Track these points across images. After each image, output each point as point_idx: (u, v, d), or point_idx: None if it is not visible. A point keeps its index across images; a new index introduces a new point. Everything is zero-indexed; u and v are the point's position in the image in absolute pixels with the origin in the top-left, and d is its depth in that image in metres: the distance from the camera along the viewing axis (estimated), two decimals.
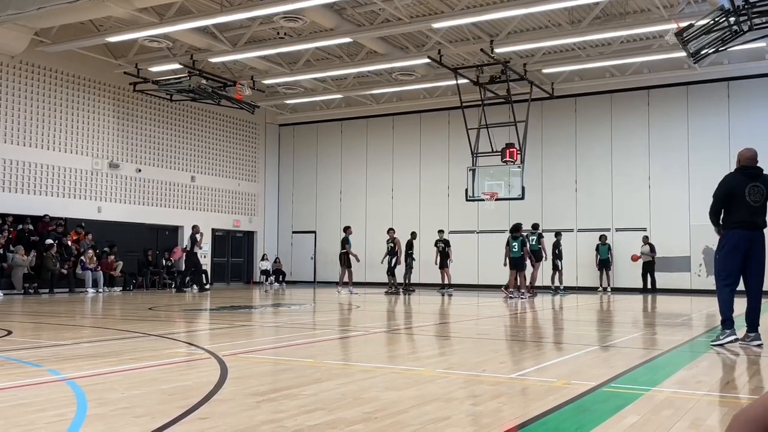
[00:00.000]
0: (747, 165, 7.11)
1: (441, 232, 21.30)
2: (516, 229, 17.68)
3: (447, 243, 20.65)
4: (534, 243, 18.77)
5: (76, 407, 3.92)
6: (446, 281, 20.11)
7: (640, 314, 12.92)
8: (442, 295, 19.02)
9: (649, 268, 21.04)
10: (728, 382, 5.01)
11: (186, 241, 21.49)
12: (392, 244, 20.14)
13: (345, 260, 19.64)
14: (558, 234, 20.88)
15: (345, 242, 19.69)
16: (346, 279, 19.65)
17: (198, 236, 20.68)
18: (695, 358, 6.52)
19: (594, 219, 22.56)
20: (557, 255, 20.40)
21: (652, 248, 21.07)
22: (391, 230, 20.69)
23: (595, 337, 8.64)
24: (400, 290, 20.04)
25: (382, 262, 20.56)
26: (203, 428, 3.43)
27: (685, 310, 13.91)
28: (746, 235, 6.98)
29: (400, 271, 20.52)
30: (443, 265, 20.34)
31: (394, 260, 20.02)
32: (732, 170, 7.32)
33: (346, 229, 20.05)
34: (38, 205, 19.77)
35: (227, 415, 3.71)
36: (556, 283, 20.37)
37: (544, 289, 20.38)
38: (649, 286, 21.05)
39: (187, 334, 8.69)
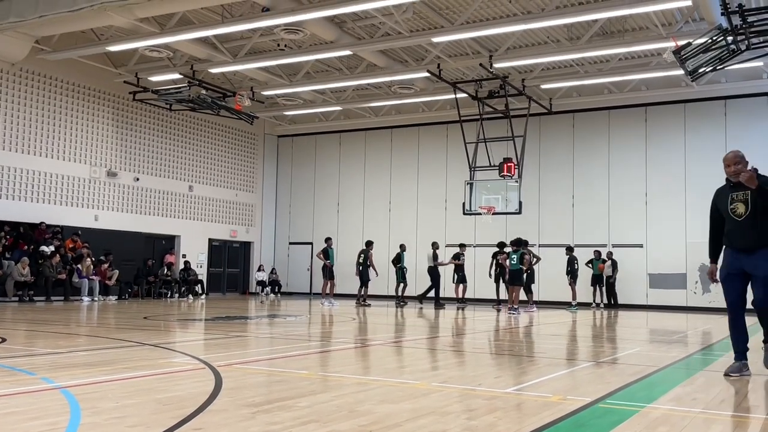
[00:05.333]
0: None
1: (463, 246, 21.05)
2: (516, 243, 17.60)
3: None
4: (576, 267, 20.36)
5: (69, 416, 3.90)
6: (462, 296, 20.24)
7: (635, 330, 12.92)
8: (463, 308, 19.11)
9: (606, 283, 21.21)
10: (723, 400, 5.00)
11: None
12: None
13: (328, 272, 19.65)
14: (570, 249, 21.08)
15: (326, 253, 19.68)
16: (328, 290, 19.65)
17: (437, 251, 20.18)
18: (691, 375, 6.51)
19: (591, 234, 22.59)
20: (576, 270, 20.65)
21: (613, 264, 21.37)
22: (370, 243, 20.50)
23: (591, 353, 8.63)
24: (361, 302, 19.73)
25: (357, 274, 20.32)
26: None
27: (681, 327, 13.90)
28: (736, 255, 6.14)
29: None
30: (464, 280, 20.30)
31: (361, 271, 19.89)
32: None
33: (327, 240, 20.12)
34: (35, 213, 19.74)
35: (221, 426, 3.70)
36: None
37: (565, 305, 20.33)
38: (604, 301, 21.22)
39: (182, 344, 8.66)
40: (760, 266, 6.00)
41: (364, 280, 19.75)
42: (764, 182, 6.04)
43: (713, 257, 6.46)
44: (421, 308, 18.90)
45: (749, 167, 6.45)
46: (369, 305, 19.28)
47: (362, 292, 19.72)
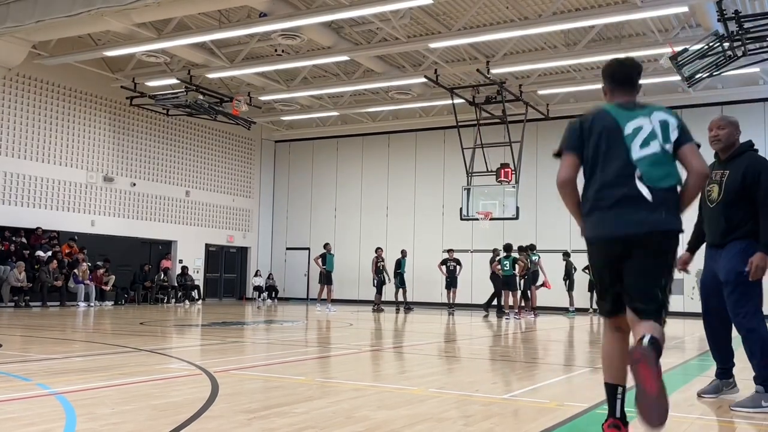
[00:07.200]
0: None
1: (451, 251, 21.02)
2: (508, 248, 17.75)
3: (458, 262, 20.55)
4: (573, 272, 20.15)
5: (65, 422, 3.88)
6: (452, 300, 20.12)
7: (632, 336, 12.90)
8: (450, 314, 18.99)
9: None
10: (721, 406, 4.99)
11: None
12: (382, 263, 20.48)
13: (326, 277, 19.80)
14: (567, 254, 21.01)
15: (324, 259, 19.84)
16: (324, 296, 19.78)
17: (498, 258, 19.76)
18: (688, 381, 6.51)
19: None
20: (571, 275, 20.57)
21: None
22: (379, 249, 20.98)
23: (588, 359, 8.62)
24: (381, 308, 20.09)
25: (381, 282, 20.53)
26: None
27: (678, 333, 13.90)
28: (709, 252, 5.03)
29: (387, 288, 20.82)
30: (454, 285, 20.16)
31: (381, 278, 20.31)
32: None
33: (326, 246, 20.25)
34: (31, 218, 19.69)
35: None
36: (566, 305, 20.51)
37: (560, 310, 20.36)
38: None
39: (178, 350, 8.63)
40: (723, 265, 4.80)
41: (376, 285, 20.28)
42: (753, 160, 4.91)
43: (690, 247, 5.30)
44: (486, 315, 18.65)
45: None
46: (383, 310, 19.74)
47: (377, 299, 20.22)
